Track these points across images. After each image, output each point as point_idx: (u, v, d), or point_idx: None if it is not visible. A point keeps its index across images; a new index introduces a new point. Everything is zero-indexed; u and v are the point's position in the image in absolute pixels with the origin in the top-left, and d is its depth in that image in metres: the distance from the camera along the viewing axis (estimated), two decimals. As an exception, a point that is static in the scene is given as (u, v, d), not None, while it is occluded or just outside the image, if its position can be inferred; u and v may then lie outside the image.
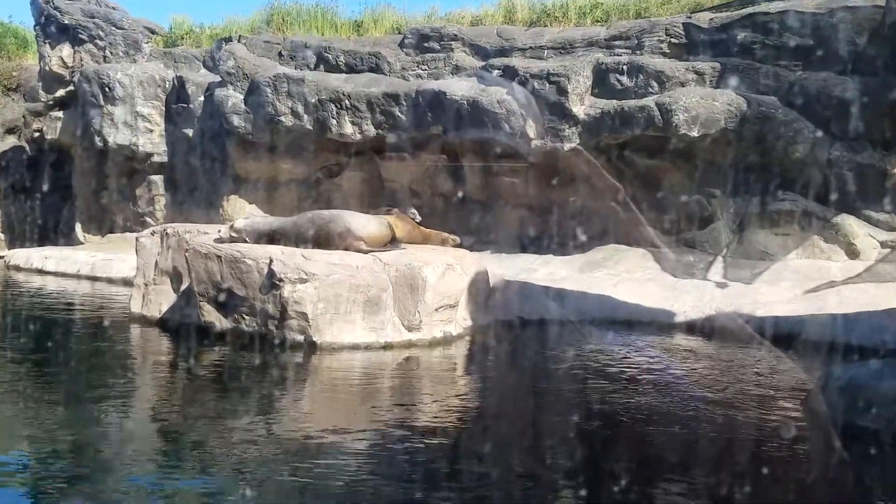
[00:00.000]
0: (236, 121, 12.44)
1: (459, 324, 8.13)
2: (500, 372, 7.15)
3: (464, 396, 6.15)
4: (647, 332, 8.67)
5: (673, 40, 11.10)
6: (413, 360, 7.42)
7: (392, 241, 8.17)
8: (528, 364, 7.43)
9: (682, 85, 10.61)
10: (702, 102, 10.28)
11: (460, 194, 11.98)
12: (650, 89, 10.67)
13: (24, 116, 15.93)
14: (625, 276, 10.10)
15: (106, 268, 12.24)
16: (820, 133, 10.13)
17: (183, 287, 8.41)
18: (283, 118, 12.11)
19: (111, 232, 14.39)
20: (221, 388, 6.22)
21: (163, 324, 8.40)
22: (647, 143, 10.82)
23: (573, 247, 11.13)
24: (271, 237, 7.90)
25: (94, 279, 11.87)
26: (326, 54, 12.47)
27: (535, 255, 11.16)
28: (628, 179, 11.01)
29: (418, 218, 8.72)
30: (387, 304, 7.56)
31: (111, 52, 14.49)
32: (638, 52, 11.18)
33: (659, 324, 8.85)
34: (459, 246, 8.96)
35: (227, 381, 6.41)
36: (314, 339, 7.26)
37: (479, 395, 6.20)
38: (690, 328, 8.74)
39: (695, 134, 10.27)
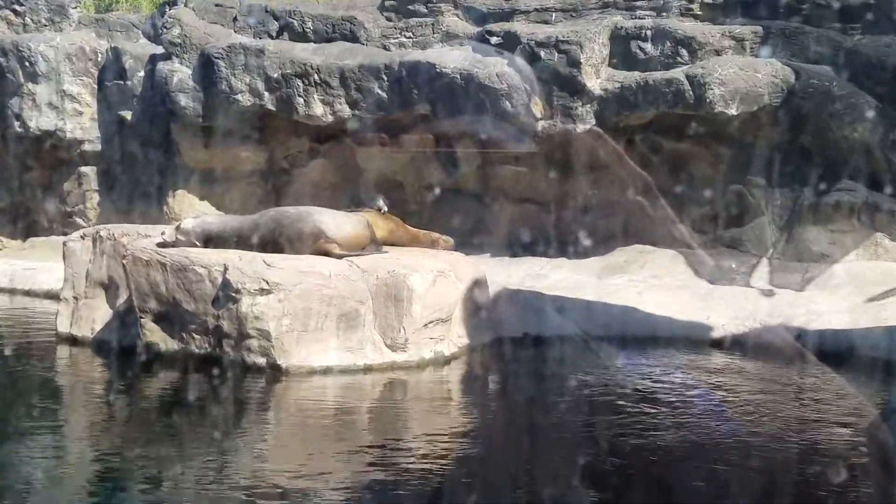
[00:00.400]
0: (183, 100, 12.39)
1: (453, 342, 8.13)
2: (502, 401, 7.15)
3: (459, 432, 6.13)
4: (678, 349, 8.67)
5: (706, 0, 11.11)
6: (398, 386, 7.41)
7: (372, 244, 8.15)
8: (537, 391, 7.43)
9: (718, 53, 10.61)
10: (741, 74, 10.29)
11: (453, 186, 11.95)
12: (679, 59, 10.67)
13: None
14: (651, 282, 10.10)
15: (27, 278, 12.18)
16: (883, 109, 10.15)
17: (120, 301, 8.37)
18: (239, 97, 12.07)
19: (33, 235, 14.32)
20: (167, 423, 6.19)
21: (96, 345, 8.37)
22: (675, 124, 10.79)
23: (589, 248, 11.10)
24: (226, 240, 7.88)
25: (11, 292, 11.81)
26: (291, 20, 12.44)
27: (543, 259, 11.14)
28: (653, 167, 10.99)
29: (384, 209, 8.68)
30: (366, 320, 7.55)
31: (32, 20, 14.45)
32: (664, 14, 11.18)
33: (692, 340, 8.85)
34: (453, 248, 8.95)
35: (173, 416, 6.39)
36: (278, 362, 7.25)
37: (477, 431, 6.19)
38: (730, 344, 8.74)
39: (733, 112, 10.27)
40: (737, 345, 8.71)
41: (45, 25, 14.37)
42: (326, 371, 7.34)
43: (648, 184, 10.85)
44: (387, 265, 7.80)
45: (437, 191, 11.80)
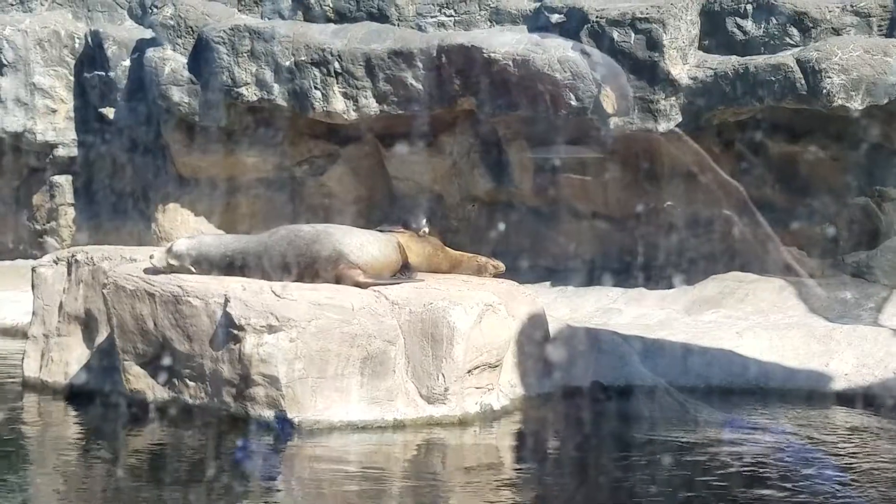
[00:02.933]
0: (177, 95, 12.57)
1: (504, 393, 8.11)
2: (566, 471, 7.09)
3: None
4: (788, 403, 8.57)
5: (821, -34, 11.06)
6: (435, 448, 7.39)
7: (403, 270, 8.18)
8: (611, 460, 7.36)
9: (837, 33, 10.53)
10: (866, 58, 10.19)
11: (503, 199, 11.96)
12: (788, 39, 10.61)
13: None
14: (754, 319, 10.01)
15: (-12, 311, 12.39)
16: None
17: (99, 340, 8.46)
18: (243, 90, 12.23)
19: (-4, 258, 14.56)
20: (153, 494, 6.25)
21: (70, 393, 8.45)
22: (784, 121, 10.72)
23: (675, 276, 11.04)
24: (228, 265, 7.94)
25: (-30, 328, 12.03)
26: (307, -5, 12.60)
27: (617, 289, 11.11)
28: (756, 175, 10.92)
29: (425, 230, 8.69)
30: (396, 364, 7.56)
31: (-4, -2, 14.74)
32: (768, -16, 11.14)
33: (806, 392, 8.75)
34: (503, 276, 8.96)
35: (159, 483, 6.44)
36: (290, 416, 7.27)
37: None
38: (854, 398, 8.62)
39: (856, 105, 10.18)
40: (864, 399, 8.58)
41: (12, 5, 14.63)
42: (348, 427, 7.36)
43: (742, 197, 10.77)
44: (422, 297, 7.82)
45: (504, 198, 11.79)
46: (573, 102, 10.93)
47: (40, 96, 13.95)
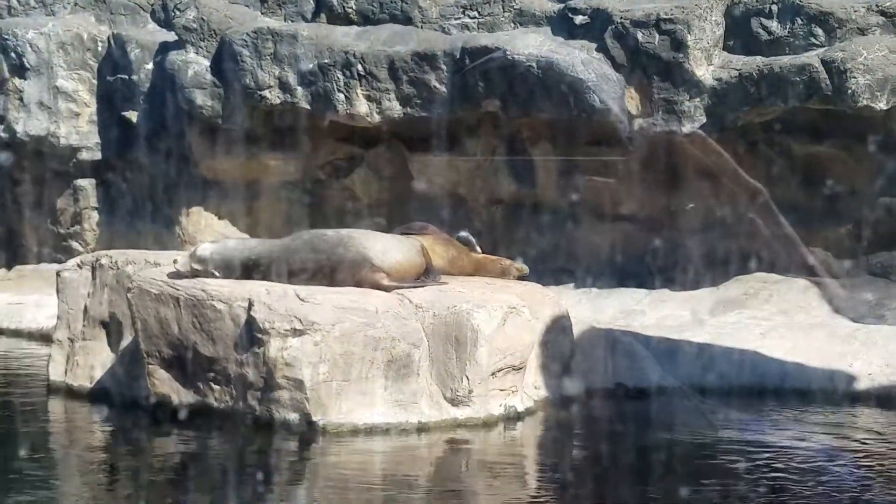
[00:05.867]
0: (199, 98, 12.63)
1: (528, 395, 8.14)
2: (591, 472, 7.12)
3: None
4: (812, 404, 8.58)
5: (846, -35, 11.03)
6: (460, 450, 7.43)
7: (427, 273, 8.23)
8: (635, 461, 7.37)
9: (863, 33, 10.49)
10: (892, 59, 10.15)
11: (527, 201, 11.99)
12: (813, 40, 10.58)
13: None
14: (778, 320, 10.02)
15: (13, 315, 12.51)
16: None
17: (124, 344, 8.53)
18: (266, 93, 12.28)
19: (20, 263, 14.65)
20: (177, 498, 6.30)
21: (95, 397, 8.52)
22: (809, 122, 10.68)
23: (698, 277, 11.04)
24: (251, 269, 8.00)
25: (-5, 332, 12.16)
26: (330, -2, 12.65)
27: (641, 291, 11.11)
28: (780, 175, 10.90)
29: (477, 249, 8.72)
30: (420, 367, 7.61)
31: (19, 2, 14.82)
32: (793, -17, 11.12)
33: (831, 393, 8.75)
34: (527, 278, 8.98)
35: (186, 486, 6.50)
36: (314, 418, 7.33)
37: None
38: (879, 399, 8.64)
39: (882, 106, 10.14)
40: (888, 399, 8.59)
41: (35, 8, 14.70)
42: (372, 430, 7.40)
43: (766, 198, 10.75)
44: (446, 300, 7.86)
45: (529, 201, 11.82)
46: (597, 104, 10.93)
47: (63, 100, 13.99)
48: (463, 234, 9.06)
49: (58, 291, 9.08)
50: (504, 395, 7.86)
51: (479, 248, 8.94)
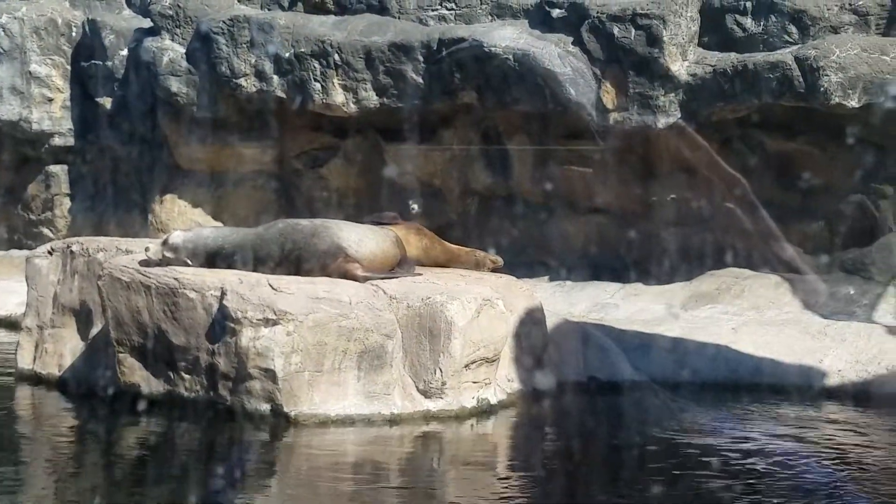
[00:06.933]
0: (174, 85, 12.55)
1: (501, 387, 8.12)
2: (562, 465, 7.10)
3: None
4: (782, 399, 8.58)
5: (821, -36, 11.04)
6: (432, 442, 7.40)
7: (401, 264, 8.17)
8: (605, 454, 7.37)
9: (836, 31, 10.52)
10: (864, 57, 10.19)
11: (502, 192, 11.96)
12: (787, 37, 10.61)
13: None
14: (750, 315, 10.03)
15: (-18, 301, 12.37)
16: None
17: (94, 332, 8.46)
18: (242, 81, 12.21)
19: (-9, 248, 14.55)
20: (146, 488, 6.22)
21: (64, 386, 8.44)
22: (782, 118, 10.71)
23: (672, 271, 11.05)
24: (224, 258, 7.96)
25: (-37, 319, 12.01)
26: (307, -13, 12.57)
27: (615, 284, 11.11)
28: (755, 172, 10.92)
29: (415, 209, 8.66)
30: (393, 358, 7.57)
31: (-7, -14, 14.71)
32: (768, -19, 11.13)
33: (800, 388, 8.76)
34: (501, 270, 8.94)
35: (155, 478, 6.42)
36: (286, 409, 7.28)
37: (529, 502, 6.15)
38: (849, 394, 8.65)
39: (853, 104, 10.18)
40: (857, 395, 8.62)
41: (9, -8, 14.60)
42: (344, 421, 7.36)
43: (745, 191, 10.77)
44: (420, 291, 7.82)
45: (504, 192, 11.79)
46: (572, 97, 10.93)
47: (36, 85, 13.93)
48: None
49: (27, 278, 9.01)
50: (477, 387, 7.84)
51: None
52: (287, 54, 11.96)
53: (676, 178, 11.25)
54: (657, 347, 9.32)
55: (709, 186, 11.02)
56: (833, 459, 6.84)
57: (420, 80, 11.56)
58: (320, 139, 12.60)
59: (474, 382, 7.81)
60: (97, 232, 12.56)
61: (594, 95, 10.97)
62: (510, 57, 11.10)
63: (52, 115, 13.96)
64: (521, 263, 11.00)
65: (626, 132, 11.03)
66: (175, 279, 7.64)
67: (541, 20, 11.41)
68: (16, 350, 8.92)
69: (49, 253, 8.96)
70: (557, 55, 10.95)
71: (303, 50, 11.91)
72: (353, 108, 11.87)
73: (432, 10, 12.00)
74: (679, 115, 10.82)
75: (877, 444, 7.53)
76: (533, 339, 8.47)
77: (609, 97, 10.95)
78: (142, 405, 7.60)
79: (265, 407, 7.31)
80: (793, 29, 10.59)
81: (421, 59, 11.54)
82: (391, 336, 7.55)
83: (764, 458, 6.84)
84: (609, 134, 11.13)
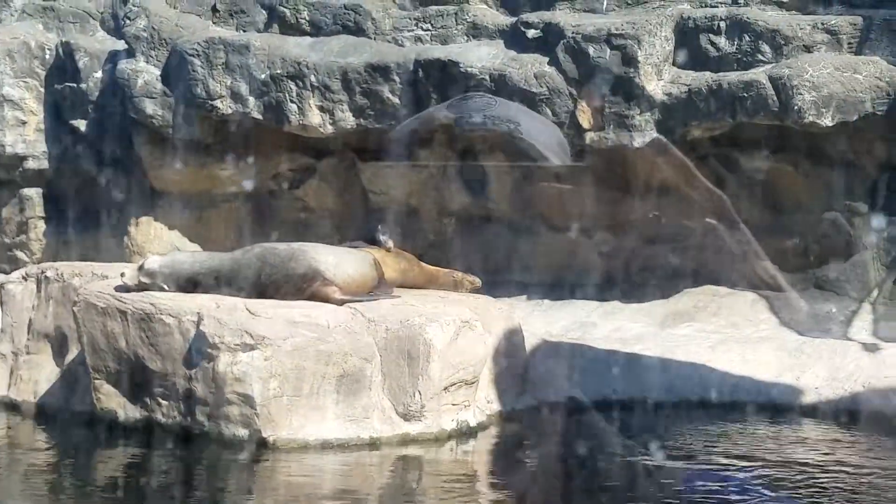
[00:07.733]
0: (150, 107, 12.49)
1: (481, 409, 8.12)
2: (543, 486, 7.06)
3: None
4: (758, 417, 8.62)
5: (793, -16, 11.11)
6: (411, 465, 7.38)
7: (379, 286, 8.15)
8: (587, 474, 7.36)
9: (809, 50, 10.58)
10: (837, 76, 10.25)
11: (480, 212, 11.95)
12: (760, 56, 10.65)
13: None
14: (727, 333, 10.04)
15: (-44, 326, 12.27)
16: None
17: (69, 358, 8.42)
18: (218, 103, 12.15)
19: (-35, 272, 14.44)
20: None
21: (39, 412, 8.39)
22: (755, 137, 10.74)
23: (650, 289, 11.06)
24: (201, 282, 7.94)
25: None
26: (283, 8, 12.53)
27: (593, 303, 11.09)
28: (728, 189, 10.95)
29: (388, 244, 8.69)
30: (372, 382, 7.55)
31: (-34, 8, 14.66)
32: (741, 1, 11.17)
33: (778, 406, 8.80)
34: (479, 291, 8.93)
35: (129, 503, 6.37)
36: (264, 434, 7.26)
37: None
38: (825, 412, 8.68)
39: (827, 122, 10.23)
40: (833, 413, 8.64)
41: (-19, 15, 14.54)
42: (323, 446, 7.34)
43: (726, 207, 10.80)
44: (398, 314, 7.81)
45: (459, 219, 11.80)
46: (549, 116, 10.94)
47: (10, 108, 13.83)
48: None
49: (1, 304, 9.00)
50: (456, 409, 7.84)
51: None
52: (263, 76, 11.94)
53: (654, 196, 11.28)
54: (635, 366, 9.30)
55: (688, 203, 11.06)
56: (778, 480, 6.82)
57: (397, 100, 11.56)
58: (297, 160, 12.56)
59: (454, 405, 7.81)
60: (73, 256, 12.46)
61: (570, 115, 11.01)
62: (486, 77, 11.12)
63: (26, 139, 13.86)
64: (498, 283, 10.98)
65: (602, 151, 11.06)
66: (151, 304, 7.63)
67: (516, 40, 11.43)
68: (-10, 377, 8.86)
69: (24, 278, 8.98)
70: (534, 75, 10.99)
71: (279, 71, 11.88)
72: (329, 129, 11.84)
73: (408, 31, 12.00)
74: (655, 134, 10.82)
75: (844, 462, 7.52)
76: (512, 359, 8.48)
77: (585, 117, 10.98)
78: (118, 432, 7.56)
79: (243, 432, 7.28)
80: (766, 48, 10.64)
81: (398, 79, 11.54)
82: (370, 359, 7.54)
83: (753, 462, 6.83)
84: (586, 153, 11.15)
